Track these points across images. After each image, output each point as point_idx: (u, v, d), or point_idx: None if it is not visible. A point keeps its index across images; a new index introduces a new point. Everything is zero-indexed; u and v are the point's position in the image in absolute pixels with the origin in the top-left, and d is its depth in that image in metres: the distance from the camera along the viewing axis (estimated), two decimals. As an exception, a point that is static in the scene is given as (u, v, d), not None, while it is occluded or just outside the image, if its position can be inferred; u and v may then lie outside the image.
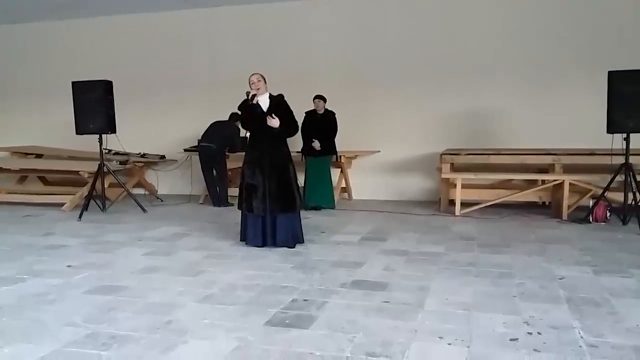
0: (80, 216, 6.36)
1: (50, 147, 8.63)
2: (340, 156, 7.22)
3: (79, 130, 6.61)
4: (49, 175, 8.43)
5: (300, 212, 4.96)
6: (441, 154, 6.87)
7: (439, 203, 7.01)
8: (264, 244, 4.69)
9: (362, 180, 7.91)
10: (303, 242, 4.83)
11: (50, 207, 7.12)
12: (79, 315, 3.03)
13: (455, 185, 6.49)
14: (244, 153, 4.88)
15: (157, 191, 8.34)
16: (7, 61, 9.27)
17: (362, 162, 7.94)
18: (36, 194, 7.75)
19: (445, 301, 3.21)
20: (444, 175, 6.68)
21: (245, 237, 4.80)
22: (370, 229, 5.64)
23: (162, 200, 7.82)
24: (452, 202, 6.71)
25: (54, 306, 3.22)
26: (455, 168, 6.88)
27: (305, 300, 3.27)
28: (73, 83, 6.64)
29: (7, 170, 7.95)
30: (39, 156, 8.43)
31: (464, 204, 6.50)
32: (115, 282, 3.72)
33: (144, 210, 6.79)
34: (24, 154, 8.52)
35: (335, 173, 7.39)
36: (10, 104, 9.25)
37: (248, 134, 4.89)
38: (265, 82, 4.75)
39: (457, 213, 6.43)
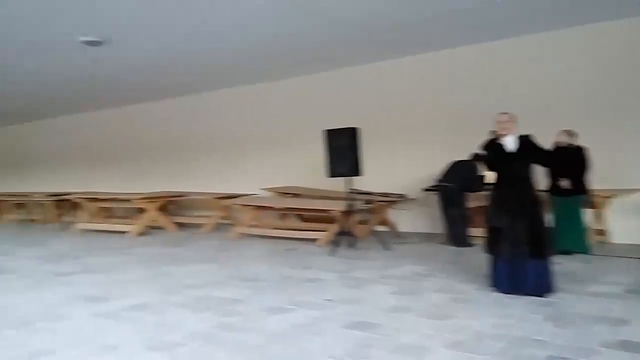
0: (332, 252, 6.98)
1: (305, 187, 9.71)
2: (593, 195, 6.55)
3: (331, 174, 7.28)
4: (305, 213, 9.45)
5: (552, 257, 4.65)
6: None
7: None
8: (512, 291, 4.52)
9: (623, 222, 7.03)
10: (554, 291, 4.51)
11: (306, 242, 7.97)
12: (340, 348, 3.34)
13: None
14: (485, 193, 4.85)
15: (398, 229, 8.68)
16: (268, 114, 10.77)
17: (623, 201, 7.07)
18: (295, 229, 8.74)
19: None
20: None
21: (494, 282, 4.70)
22: (636, 280, 4.97)
23: (403, 239, 8.10)
24: None
25: (318, 337, 3.60)
26: None
27: (564, 358, 3.05)
28: (325, 131, 7.38)
29: (271, 208, 9.19)
30: (296, 195, 9.55)
31: None
32: (368, 319, 3.99)
33: (387, 248, 7.14)
34: (285, 193, 9.75)
35: (589, 214, 6.71)
36: (271, 150, 10.70)
37: (487, 173, 4.84)
38: (514, 123, 4.66)
39: None
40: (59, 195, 12.33)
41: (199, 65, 8.94)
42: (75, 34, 6.73)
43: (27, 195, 13.17)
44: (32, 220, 13.09)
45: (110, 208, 11.54)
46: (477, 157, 6.87)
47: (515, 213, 4.50)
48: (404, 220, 8.80)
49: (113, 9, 5.88)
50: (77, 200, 11.29)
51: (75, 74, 9.15)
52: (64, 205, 12.57)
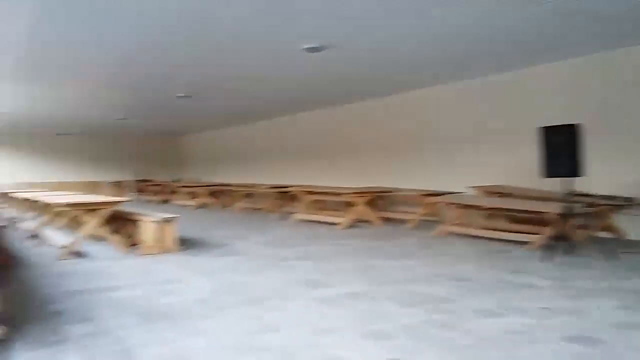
0: (546, 257, 6.55)
1: (515, 186, 9.23)
2: None
3: (547, 174, 6.79)
4: (515, 214, 8.99)
5: None
6: None
7: None
8: None
9: None
10: None
11: (515, 245, 7.59)
12: (558, 361, 3.16)
13: None
14: None
15: (626, 237, 7.75)
16: (479, 111, 10.46)
17: None
18: (503, 230, 8.38)
19: None
20: None
21: None
22: None
23: (633, 248, 7.20)
24: None
25: (533, 347, 3.44)
26: None
27: None
28: (541, 128, 6.91)
29: (479, 207, 8.94)
30: (505, 195, 9.12)
31: None
32: (590, 333, 3.68)
33: (612, 257, 6.43)
34: (493, 192, 9.39)
35: None
36: (480, 149, 10.37)
37: None
38: None
39: None
40: (281, 187, 13.71)
41: (410, 64, 9.11)
42: (299, 42, 7.42)
43: (254, 187, 14.91)
44: (257, 209, 14.77)
45: (324, 201, 12.43)
46: None
47: None
48: (634, 227, 7.80)
49: (333, 17, 6.34)
50: (295, 193, 12.42)
51: (297, 78, 10.08)
52: (285, 196, 13.95)
